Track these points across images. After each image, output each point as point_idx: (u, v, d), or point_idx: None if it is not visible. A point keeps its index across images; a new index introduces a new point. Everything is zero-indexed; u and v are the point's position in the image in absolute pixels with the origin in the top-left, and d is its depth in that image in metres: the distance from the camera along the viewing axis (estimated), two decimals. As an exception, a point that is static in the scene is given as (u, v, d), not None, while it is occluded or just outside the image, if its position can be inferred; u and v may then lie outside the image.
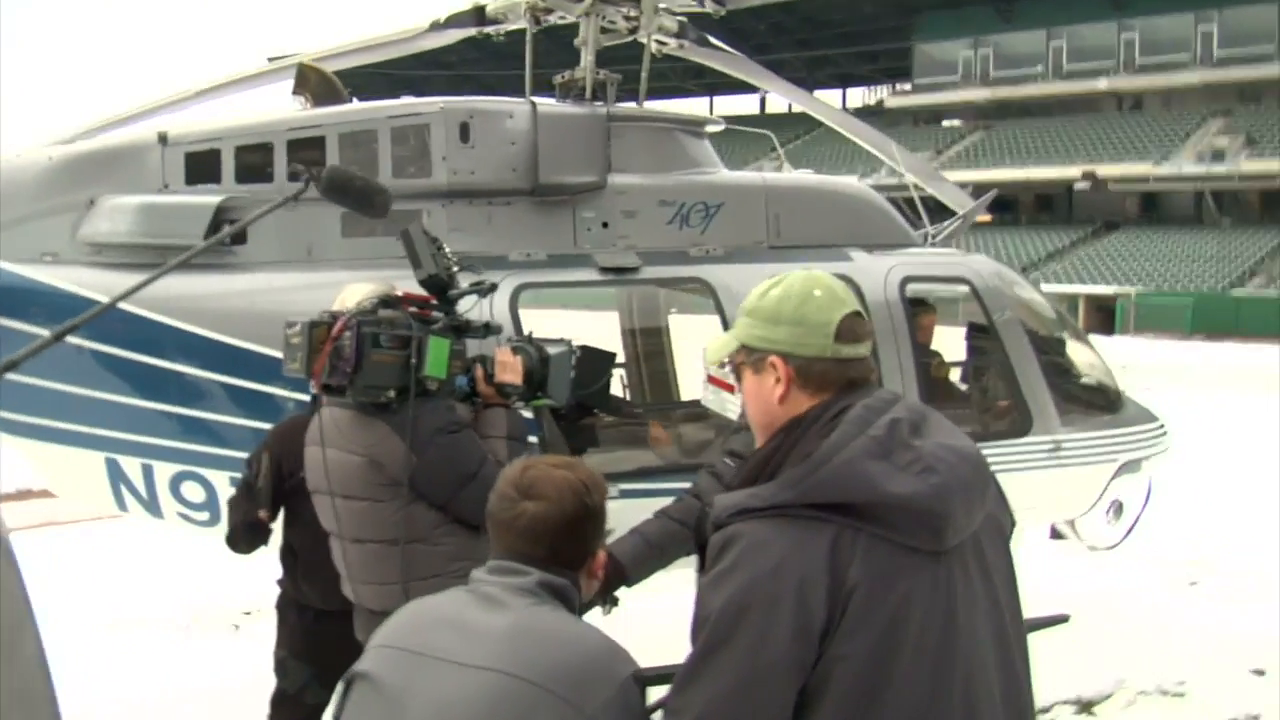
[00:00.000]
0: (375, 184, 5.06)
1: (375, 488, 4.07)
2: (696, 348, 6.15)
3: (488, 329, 4.53)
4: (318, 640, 4.88)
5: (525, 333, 4.97)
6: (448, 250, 4.58)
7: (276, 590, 5.15)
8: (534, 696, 2.29)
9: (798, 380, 2.45)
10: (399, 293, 4.31)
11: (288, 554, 5.00)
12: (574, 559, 2.62)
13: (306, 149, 5.96)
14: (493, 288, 4.68)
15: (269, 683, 5.07)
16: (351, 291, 4.35)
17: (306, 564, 4.88)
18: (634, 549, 4.12)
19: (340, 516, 4.18)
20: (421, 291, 4.42)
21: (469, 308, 4.55)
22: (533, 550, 2.56)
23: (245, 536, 4.79)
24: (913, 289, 6.79)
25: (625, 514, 5.67)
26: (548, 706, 2.28)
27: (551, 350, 4.63)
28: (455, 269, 4.53)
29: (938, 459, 2.28)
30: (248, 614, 8.14)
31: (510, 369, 4.43)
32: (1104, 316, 50.85)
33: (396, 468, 4.02)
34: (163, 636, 8.02)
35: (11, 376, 5.19)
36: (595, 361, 4.89)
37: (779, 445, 2.41)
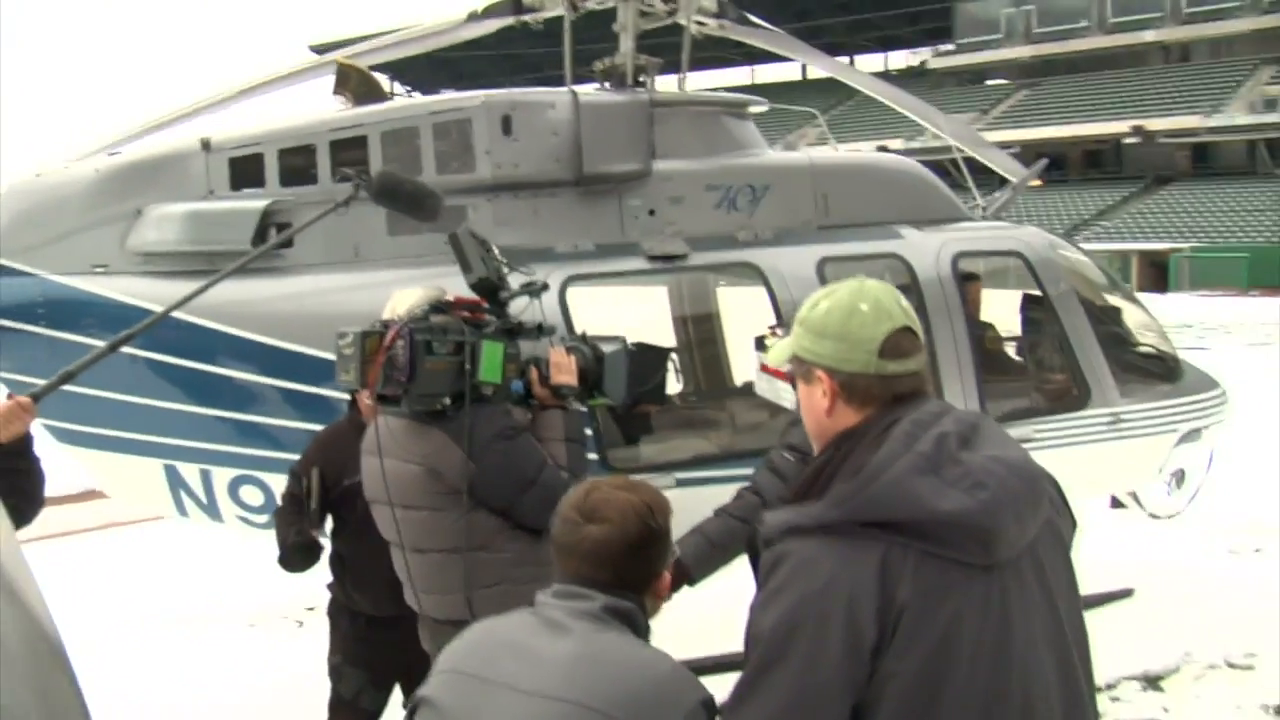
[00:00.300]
0: (425, 187, 5.08)
1: (435, 497, 4.05)
2: (750, 332, 6.15)
3: (540, 330, 4.49)
4: (371, 646, 4.92)
5: (578, 330, 4.92)
6: (497, 251, 4.55)
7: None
8: None
9: (842, 394, 2.45)
10: (449, 297, 4.28)
11: (336, 561, 5.01)
12: (639, 581, 2.60)
13: (349, 149, 5.96)
14: (544, 287, 4.66)
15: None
16: (401, 298, 4.31)
17: (355, 571, 4.90)
18: (696, 549, 4.10)
19: (400, 526, 4.16)
20: (471, 295, 4.40)
21: (521, 309, 4.52)
22: (596, 574, 2.54)
23: (299, 556, 4.76)
24: (965, 264, 6.70)
25: (682, 502, 5.68)
26: None
27: (606, 349, 4.59)
28: (506, 270, 4.51)
29: (987, 473, 2.26)
30: (310, 609, 8.21)
31: (565, 370, 4.39)
32: (1157, 273, 50.05)
33: (455, 476, 4.00)
34: (229, 633, 8.12)
35: (67, 387, 5.27)
36: (650, 358, 4.85)
37: (830, 459, 2.39)
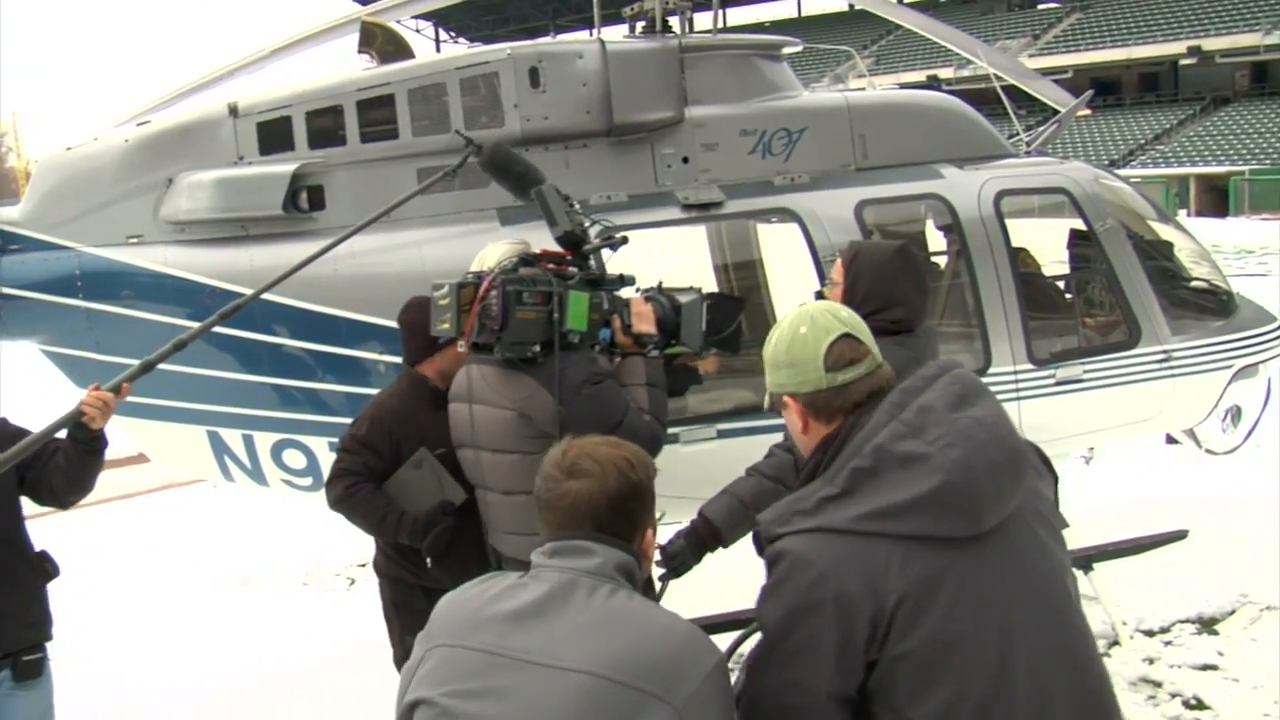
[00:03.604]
0: (536, 171, 5.25)
1: (525, 440, 4.22)
2: (789, 278, 6.06)
3: (622, 280, 4.66)
4: None
5: (655, 282, 4.96)
6: (578, 206, 4.73)
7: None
8: (629, 698, 2.25)
9: (810, 412, 2.69)
10: (536, 250, 4.45)
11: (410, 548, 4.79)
12: (621, 534, 2.56)
13: (376, 108, 5.92)
14: (624, 240, 4.77)
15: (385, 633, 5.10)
16: (490, 251, 4.48)
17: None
18: (728, 509, 4.09)
19: (489, 470, 4.34)
20: (556, 247, 4.56)
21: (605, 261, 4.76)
22: (579, 527, 2.52)
23: (443, 538, 4.63)
24: (1008, 203, 6.55)
25: (725, 454, 5.65)
26: (640, 705, 2.25)
27: (683, 299, 4.75)
28: (587, 224, 4.70)
29: (962, 434, 2.41)
30: (362, 566, 8.31)
31: (646, 319, 4.57)
32: (1216, 197, 48.98)
33: (545, 420, 4.17)
34: (284, 592, 8.25)
35: (108, 358, 5.33)
36: (725, 307, 5.01)
37: (819, 461, 2.60)
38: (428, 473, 4.69)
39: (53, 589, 4.39)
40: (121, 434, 6.05)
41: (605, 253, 4.91)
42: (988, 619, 2.34)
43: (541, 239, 4.75)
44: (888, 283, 4.29)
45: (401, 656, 4.99)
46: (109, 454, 4.39)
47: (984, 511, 2.37)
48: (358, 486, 4.70)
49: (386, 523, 4.66)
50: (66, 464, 4.21)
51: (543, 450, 4.03)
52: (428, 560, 4.71)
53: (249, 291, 5.49)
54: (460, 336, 4.20)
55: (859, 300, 4.09)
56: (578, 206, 4.73)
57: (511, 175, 5.23)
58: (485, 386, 4.32)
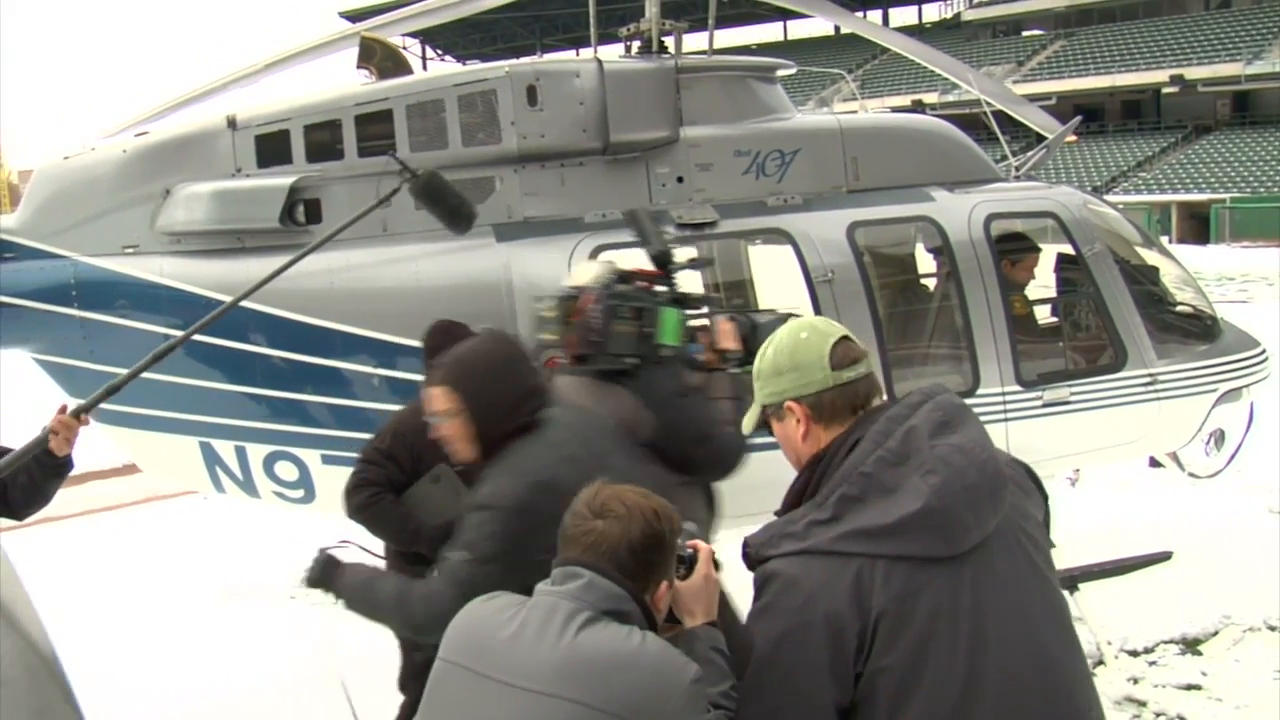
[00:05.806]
0: (469, 205, 5.35)
1: None
2: (782, 298, 6.09)
3: (707, 300, 4.80)
4: None
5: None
6: (665, 228, 4.89)
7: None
8: None
9: (813, 415, 2.70)
10: (629, 268, 4.57)
11: (419, 556, 4.65)
12: (634, 578, 2.54)
13: (375, 123, 5.96)
14: (710, 262, 4.95)
15: (374, 648, 5.09)
16: (583, 269, 4.59)
17: None
18: None
19: None
20: (646, 266, 4.68)
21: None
22: (594, 563, 2.52)
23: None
24: (998, 226, 6.63)
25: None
26: None
27: (760, 319, 4.87)
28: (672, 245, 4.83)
29: (941, 461, 2.48)
30: (349, 580, 8.27)
31: (730, 336, 4.69)
32: (1198, 225, 49.31)
33: (642, 429, 4.24)
34: (270, 605, 8.19)
35: (102, 368, 5.33)
36: None
37: (807, 480, 2.66)
38: (446, 487, 4.75)
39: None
40: (109, 445, 6.06)
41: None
42: (961, 633, 2.42)
43: (540, 256, 4.81)
44: (503, 381, 3.60)
45: (408, 673, 5.06)
46: (97, 465, 4.36)
47: (961, 534, 2.45)
48: (378, 496, 4.80)
49: (405, 532, 4.77)
50: (29, 482, 4.19)
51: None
52: None
53: (244, 303, 5.53)
54: (563, 347, 4.36)
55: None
56: (666, 229, 4.88)
57: (444, 205, 5.30)
58: (576, 398, 4.37)
